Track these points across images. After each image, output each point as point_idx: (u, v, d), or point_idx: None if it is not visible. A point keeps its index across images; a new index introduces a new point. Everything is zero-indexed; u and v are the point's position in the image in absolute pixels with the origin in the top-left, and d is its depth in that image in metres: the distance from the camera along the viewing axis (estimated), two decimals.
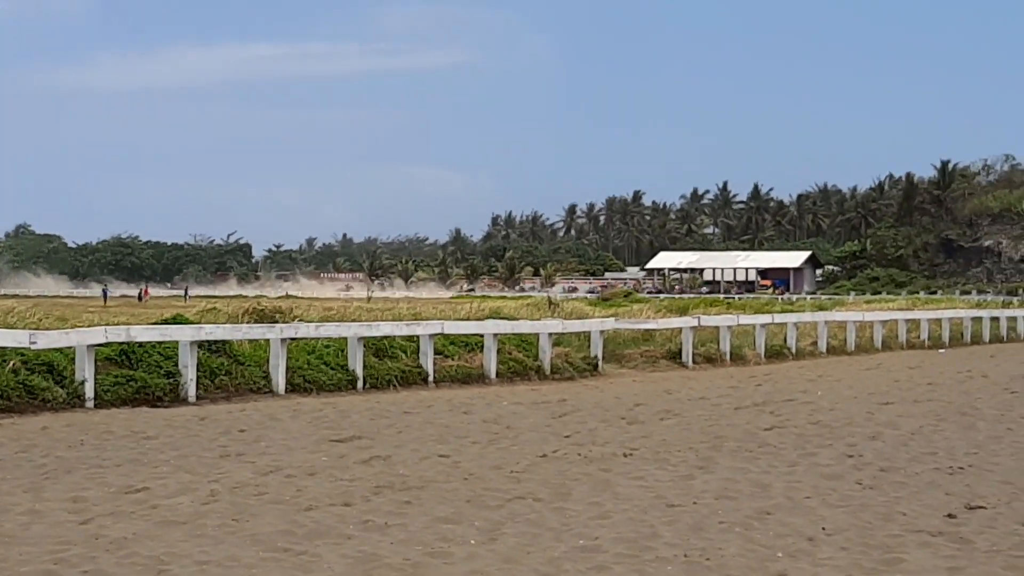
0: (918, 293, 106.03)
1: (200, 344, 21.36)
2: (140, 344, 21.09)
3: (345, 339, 23.75)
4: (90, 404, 19.36)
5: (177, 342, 20.99)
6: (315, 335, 23.54)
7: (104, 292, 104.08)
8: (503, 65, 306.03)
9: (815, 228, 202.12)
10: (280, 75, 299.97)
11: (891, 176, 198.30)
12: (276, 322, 24.83)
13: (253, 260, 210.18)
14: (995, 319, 47.02)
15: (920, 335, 41.15)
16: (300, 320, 25.83)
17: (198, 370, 21.03)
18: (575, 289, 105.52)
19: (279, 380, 21.98)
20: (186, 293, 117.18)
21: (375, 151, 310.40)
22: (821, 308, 53.92)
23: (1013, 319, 48.57)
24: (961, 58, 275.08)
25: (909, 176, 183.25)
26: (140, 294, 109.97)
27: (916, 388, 25.08)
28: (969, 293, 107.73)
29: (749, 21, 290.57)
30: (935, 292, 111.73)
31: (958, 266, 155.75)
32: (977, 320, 45.67)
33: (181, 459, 14.15)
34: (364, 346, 23.67)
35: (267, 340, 22.47)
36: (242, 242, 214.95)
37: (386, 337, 24.63)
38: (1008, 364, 32.80)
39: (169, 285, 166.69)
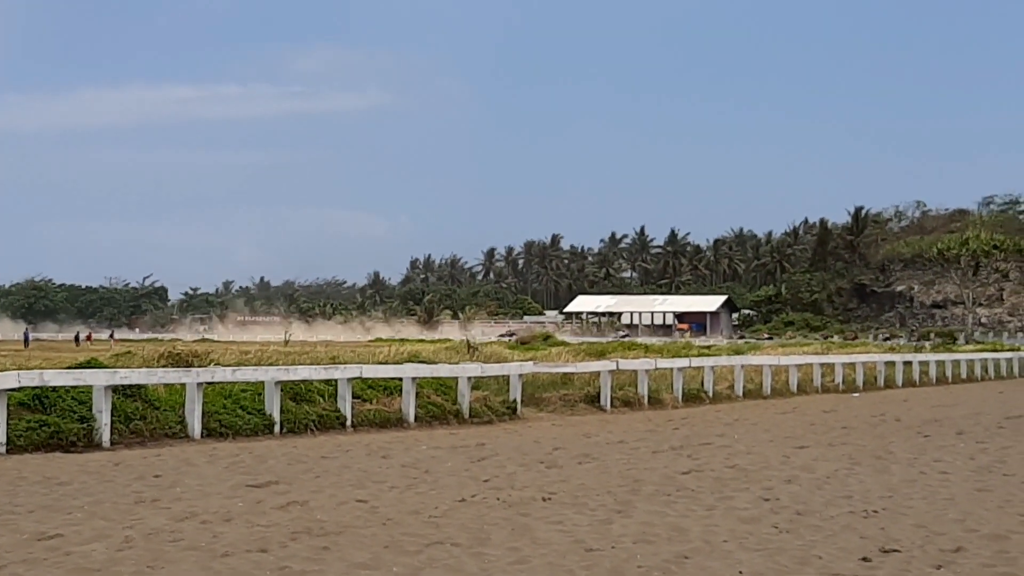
0: (832, 337, 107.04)
1: (115, 389, 21.09)
2: (54, 389, 20.80)
3: (262, 383, 23.57)
4: (2, 450, 19.06)
5: (91, 387, 20.73)
6: (232, 379, 23.35)
7: (25, 335, 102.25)
8: (419, 109, 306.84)
9: (731, 273, 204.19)
10: (194, 117, 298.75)
11: (806, 221, 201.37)
12: (192, 366, 24.61)
13: (169, 303, 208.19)
14: (908, 363, 47.60)
15: (835, 379, 41.60)
16: (216, 364, 25.61)
17: (113, 415, 20.76)
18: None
19: (195, 425, 21.76)
20: (111, 336, 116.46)
21: (292, 194, 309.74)
22: (738, 352, 54.39)
23: (925, 363, 49.20)
24: (874, 105, 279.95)
25: (823, 222, 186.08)
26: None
27: (831, 432, 25.31)
28: (898, 338, 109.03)
29: (665, 67, 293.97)
30: (855, 336, 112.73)
31: (871, 311, 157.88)
32: (890, 364, 46.23)
33: (95, 505, 13.95)
34: (282, 390, 23.50)
35: (183, 384, 22.26)
36: (157, 285, 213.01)
37: (304, 381, 24.49)
38: (921, 408, 33.20)
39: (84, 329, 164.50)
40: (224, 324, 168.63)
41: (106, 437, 20.42)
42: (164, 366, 24.93)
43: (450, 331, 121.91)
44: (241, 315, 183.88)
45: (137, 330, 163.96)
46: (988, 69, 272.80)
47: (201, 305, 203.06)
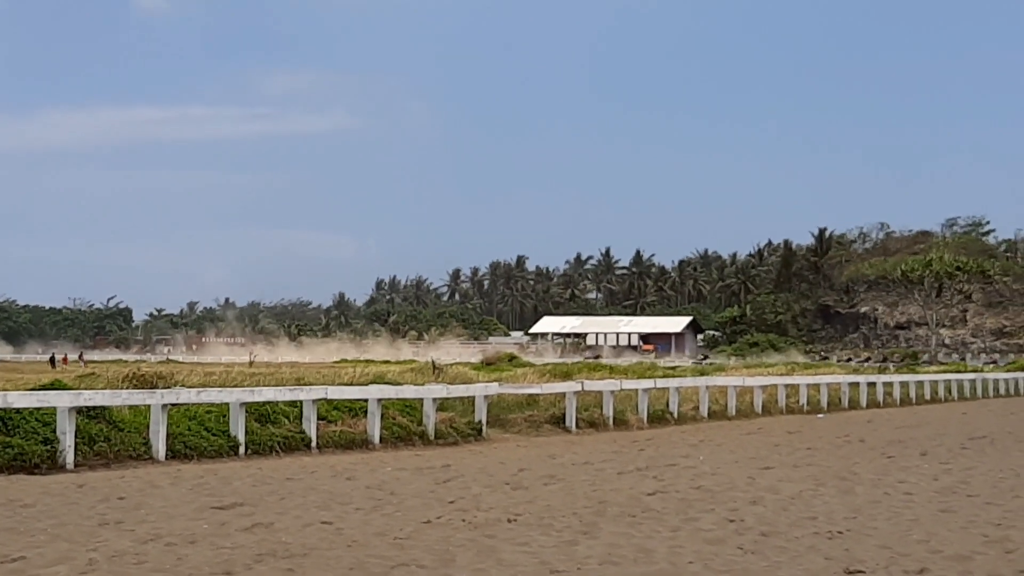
0: (797, 359, 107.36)
1: (79, 410, 20.98)
2: (17, 410, 20.67)
3: (227, 404, 23.49)
4: None
5: (55, 408, 20.62)
6: (196, 400, 23.25)
7: None
8: (385, 130, 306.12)
9: (696, 294, 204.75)
10: (161, 139, 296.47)
11: (770, 243, 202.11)
12: (157, 387, 24.51)
13: (133, 324, 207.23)
14: (872, 384, 47.81)
15: (799, 400, 41.73)
16: (181, 386, 25.51)
17: (77, 436, 20.64)
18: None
19: (159, 446, 21.66)
20: (81, 357, 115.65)
21: (258, 215, 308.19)
22: (703, 373, 54.51)
23: (889, 385, 49.43)
24: (838, 126, 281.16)
25: (787, 243, 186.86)
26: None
27: (796, 453, 25.40)
28: (862, 360, 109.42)
29: (629, 87, 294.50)
30: (828, 357, 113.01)
31: (835, 332, 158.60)
32: (854, 386, 46.41)
33: (59, 527, 13.88)
34: (246, 411, 23.43)
35: (147, 406, 22.16)
36: (122, 306, 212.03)
37: (269, 402, 24.42)
38: (884, 429, 33.35)
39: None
40: (189, 345, 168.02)
41: (70, 459, 20.30)
42: (128, 387, 24.83)
43: (416, 352, 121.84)
44: (206, 336, 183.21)
45: (101, 351, 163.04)
46: (952, 91, 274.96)
47: (166, 326, 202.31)
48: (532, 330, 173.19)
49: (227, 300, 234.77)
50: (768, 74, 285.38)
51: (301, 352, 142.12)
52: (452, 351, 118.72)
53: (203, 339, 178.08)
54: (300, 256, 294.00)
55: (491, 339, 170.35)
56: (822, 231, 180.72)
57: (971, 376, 58.66)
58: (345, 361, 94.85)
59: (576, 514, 15.42)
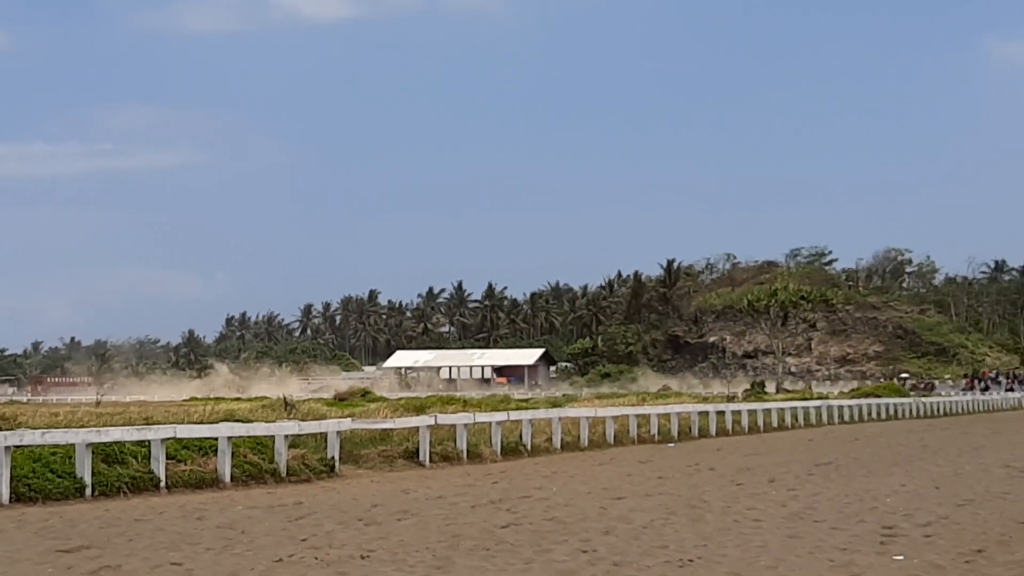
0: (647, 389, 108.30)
1: None
2: None
3: (73, 445, 23.02)
4: None
5: None
6: (41, 442, 22.74)
7: None
8: (233, 166, 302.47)
9: (548, 326, 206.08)
10: (1, 175, 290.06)
11: (620, 274, 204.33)
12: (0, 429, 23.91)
13: None
14: (721, 413, 48.46)
15: (650, 430, 42.14)
16: (25, 427, 24.92)
17: None
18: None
19: (3, 489, 21.13)
20: None
21: (103, 253, 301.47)
22: (555, 405, 54.78)
23: (738, 413, 50.13)
24: (683, 160, 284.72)
25: (637, 275, 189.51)
26: None
27: (647, 482, 25.65)
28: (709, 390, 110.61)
29: (476, 121, 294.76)
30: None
31: (685, 362, 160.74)
32: (704, 415, 47.00)
33: None
34: (93, 452, 22.98)
35: None
36: None
37: (116, 443, 23.97)
38: (734, 456, 33.84)
39: None
40: (34, 386, 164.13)
41: None
42: None
43: (267, 389, 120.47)
44: (51, 376, 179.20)
45: None
46: (793, 124, 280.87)
47: (9, 367, 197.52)
48: (385, 364, 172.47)
49: (72, 339, 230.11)
50: (612, 110, 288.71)
51: (150, 391, 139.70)
52: (304, 387, 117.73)
53: (48, 379, 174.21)
54: (147, 294, 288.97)
55: (344, 374, 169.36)
56: (670, 262, 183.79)
57: (816, 403, 59.81)
58: (195, 399, 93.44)
59: (430, 548, 15.40)
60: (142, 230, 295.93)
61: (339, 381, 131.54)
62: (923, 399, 73.99)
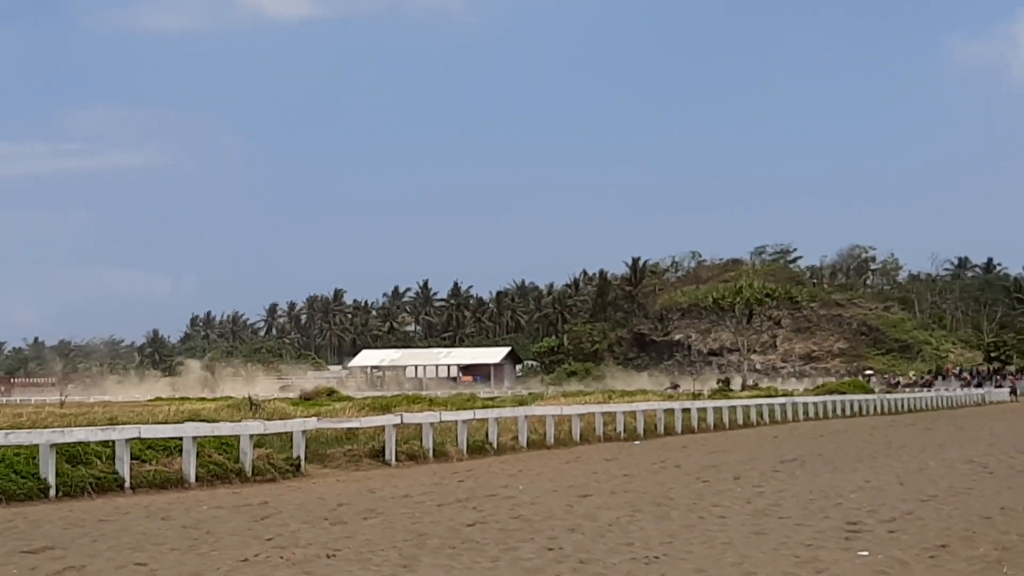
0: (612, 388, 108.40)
1: None
2: None
3: (36, 446, 22.90)
4: None
5: None
6: (4, 443, 22.63)
7: None
8: (198, 166, 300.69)
9: (514, 324, 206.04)
10: None
11: (585, 273, 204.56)
12: None
13: None
14: (687, 410, 48.58)
15: (616, 427, 42.17)
16: None
17: None
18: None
19: None
20: None
21: (67, 253, 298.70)
22: (522, 403, 54.76)
23: (703, 410, 50.26)
24: (647, 158, 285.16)
25: (602, 273, 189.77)
26: None
27: (613, 480, 25.69)
28: (677, 387, 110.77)
29: (440, 121, 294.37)
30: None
31: (651, 360, 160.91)
32: (670, 412, 47.08)
33: None
34: (57, 453, 22.87)
35: None
36: None
37: (80, 443, 23.86)
38: (699, 454, 33.92)
39: None
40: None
41: None
42: None
43: (232, 388, 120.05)
44: (14, 377, 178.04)
45: None
46: (756, 121, 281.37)
47: None
48: (351, 363, 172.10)
49: (36, 339, 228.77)
50: (576, 108, 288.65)
51: (114, 391, 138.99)
52: (269, 386, 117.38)
53: (13, 380, 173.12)
54: (112, 294, 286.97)
55: (309, 374, 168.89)
56: (635, 260, 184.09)
57: (781, 400, 60.01)
58: (160, 399, 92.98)
59: (396, 547, 15.39)
60: (108, 230, 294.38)
61: (306, 380, 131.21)
62: (887, 395, 74.55)
